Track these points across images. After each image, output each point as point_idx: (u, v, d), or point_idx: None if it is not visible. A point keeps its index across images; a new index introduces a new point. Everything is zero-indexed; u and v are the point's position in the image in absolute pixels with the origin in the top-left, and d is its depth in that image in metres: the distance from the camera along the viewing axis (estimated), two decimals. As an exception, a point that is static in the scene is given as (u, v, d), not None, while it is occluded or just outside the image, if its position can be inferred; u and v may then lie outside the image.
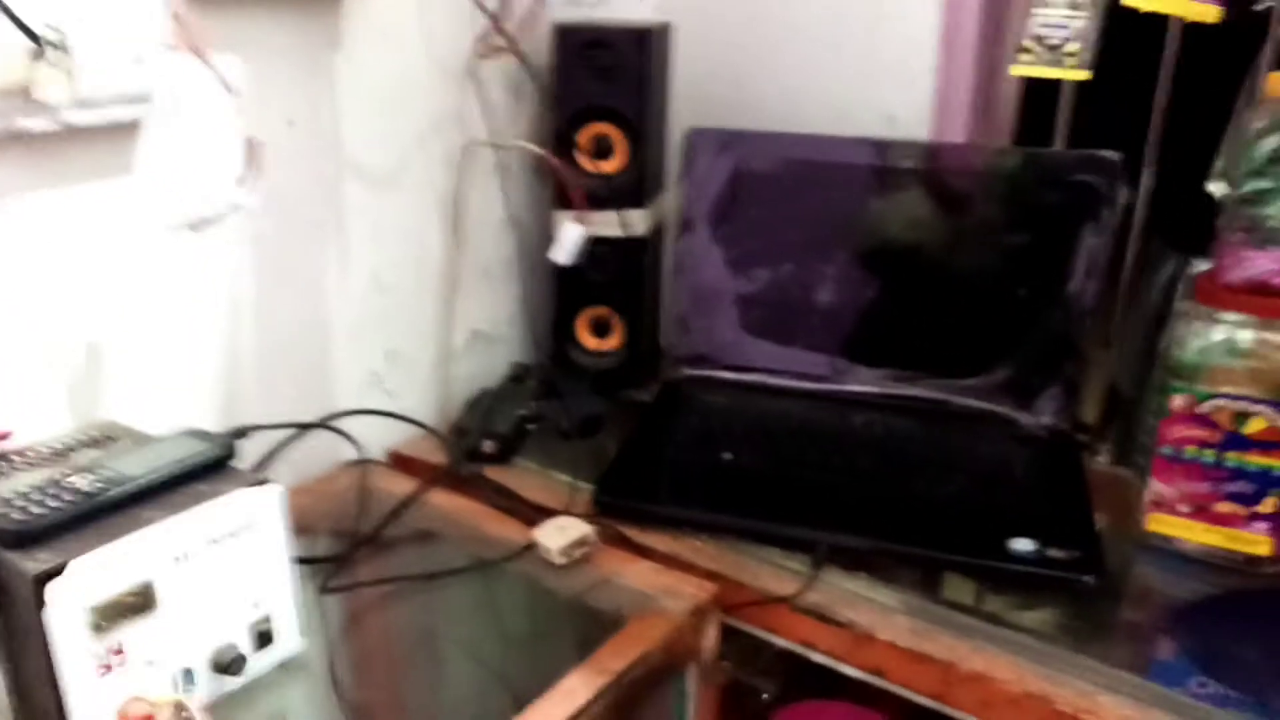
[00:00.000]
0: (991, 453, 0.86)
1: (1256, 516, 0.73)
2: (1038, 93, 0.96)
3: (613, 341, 1.01)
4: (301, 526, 0.69)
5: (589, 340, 1.01)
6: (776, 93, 1.03)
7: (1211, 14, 0.76)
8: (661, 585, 0.71)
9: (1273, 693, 0.61)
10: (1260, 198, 0.71)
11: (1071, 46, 0.78)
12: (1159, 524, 0.76)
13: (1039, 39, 0.82)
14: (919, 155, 0.92)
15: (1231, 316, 0.73)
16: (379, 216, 0.87)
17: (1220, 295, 0.73)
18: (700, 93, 1.05)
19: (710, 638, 0.71)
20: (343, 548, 0.75)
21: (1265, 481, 0.72)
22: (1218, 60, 0.87)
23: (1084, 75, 0.83)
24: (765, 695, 0.85)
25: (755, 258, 0.97)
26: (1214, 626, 0.68)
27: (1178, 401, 0.74)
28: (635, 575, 0.73)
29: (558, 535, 0.73)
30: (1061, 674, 0.63)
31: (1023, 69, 0.84)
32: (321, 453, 0.85)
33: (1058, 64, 0.80)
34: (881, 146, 0.92)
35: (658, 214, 1.01)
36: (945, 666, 0.65)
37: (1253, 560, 0.74)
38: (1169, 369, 0.75)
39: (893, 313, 0.94)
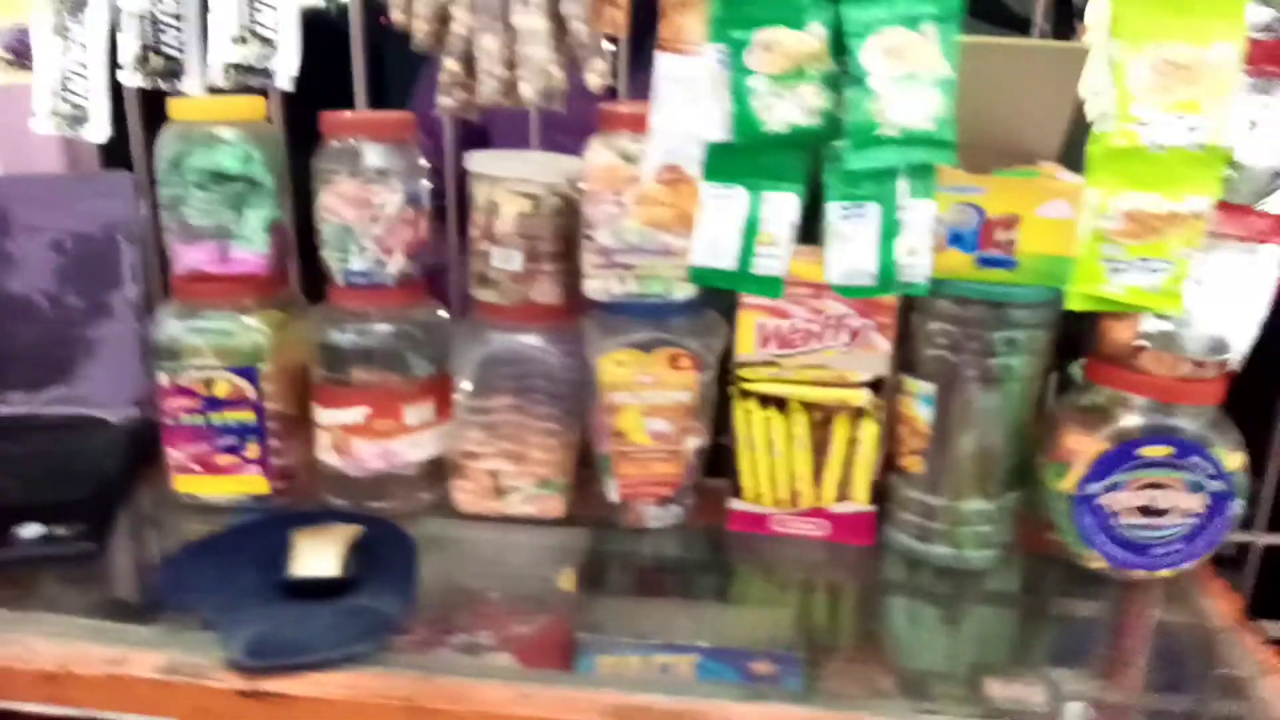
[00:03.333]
0: (65, 453, 0.94)
1: (248, 461, 0.88)
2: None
3: None
4: None
5: None
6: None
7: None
8: None
9: (203, 597, 0.75)
10: (176, 201, 0.85)
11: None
12: (184, 484, 0.89)
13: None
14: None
15: (190, 303, 0.86)
16: None
17: (177, 285, 0.87)
18: None
19: None
20: None
21: (243, 432, 0.87)
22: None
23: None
24: None
25: None
26: (189, 560, 0.81)
27: (165, 378, 0.86)
28: None
29: None
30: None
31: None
32: None
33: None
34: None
35: None
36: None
37: (258, 498, 0.89)
38: (157, 353, 0.86)
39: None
